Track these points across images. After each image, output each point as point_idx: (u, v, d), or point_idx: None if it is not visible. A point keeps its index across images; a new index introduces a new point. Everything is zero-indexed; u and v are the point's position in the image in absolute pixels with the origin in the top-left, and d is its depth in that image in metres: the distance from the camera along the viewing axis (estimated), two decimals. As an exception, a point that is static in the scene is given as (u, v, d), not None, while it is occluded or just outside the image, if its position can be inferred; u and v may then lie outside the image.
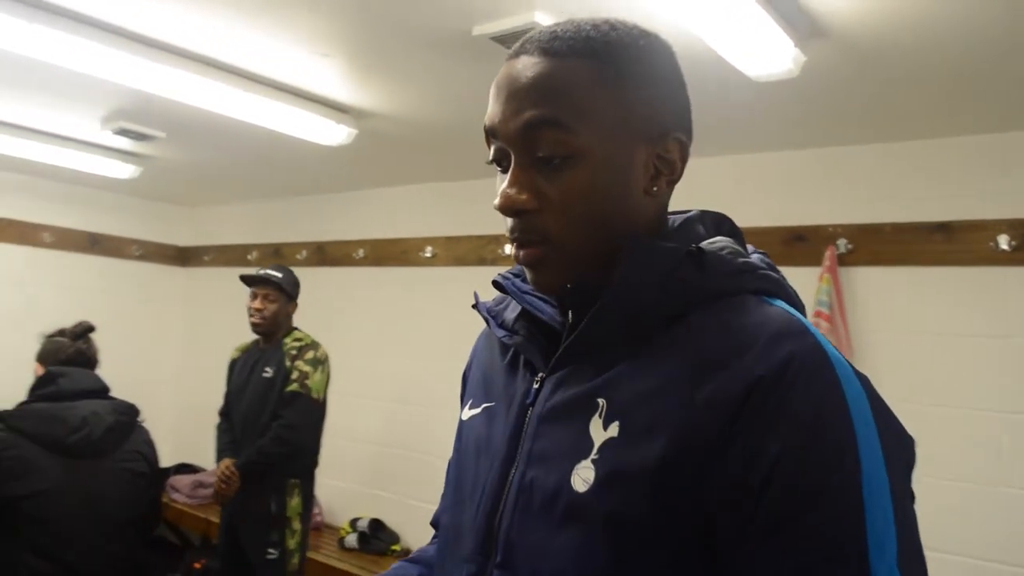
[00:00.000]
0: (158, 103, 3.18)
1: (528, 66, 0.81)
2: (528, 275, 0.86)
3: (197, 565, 4.52)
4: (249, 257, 5.26)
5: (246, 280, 3.51)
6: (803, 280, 3.09)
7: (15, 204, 5.04)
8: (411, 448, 4.17)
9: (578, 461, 0.76)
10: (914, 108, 2.67)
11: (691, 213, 0.90)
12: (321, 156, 3.74)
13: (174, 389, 5.71)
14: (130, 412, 2.61)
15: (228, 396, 3.58)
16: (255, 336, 3.56)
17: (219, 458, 3.40)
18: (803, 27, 2.07)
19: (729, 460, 0.69)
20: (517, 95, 0.81)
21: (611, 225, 0.81)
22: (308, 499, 3.43)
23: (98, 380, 2.62)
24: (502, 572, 0.81)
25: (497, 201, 0.83)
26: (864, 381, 0.73)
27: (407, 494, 4.15)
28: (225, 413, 3.57)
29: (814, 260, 3.04)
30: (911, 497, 0.73)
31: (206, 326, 5.65)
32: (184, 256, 5.83)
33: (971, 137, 2.82)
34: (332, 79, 2.87)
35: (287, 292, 3.48)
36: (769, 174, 3.26)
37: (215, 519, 4.48)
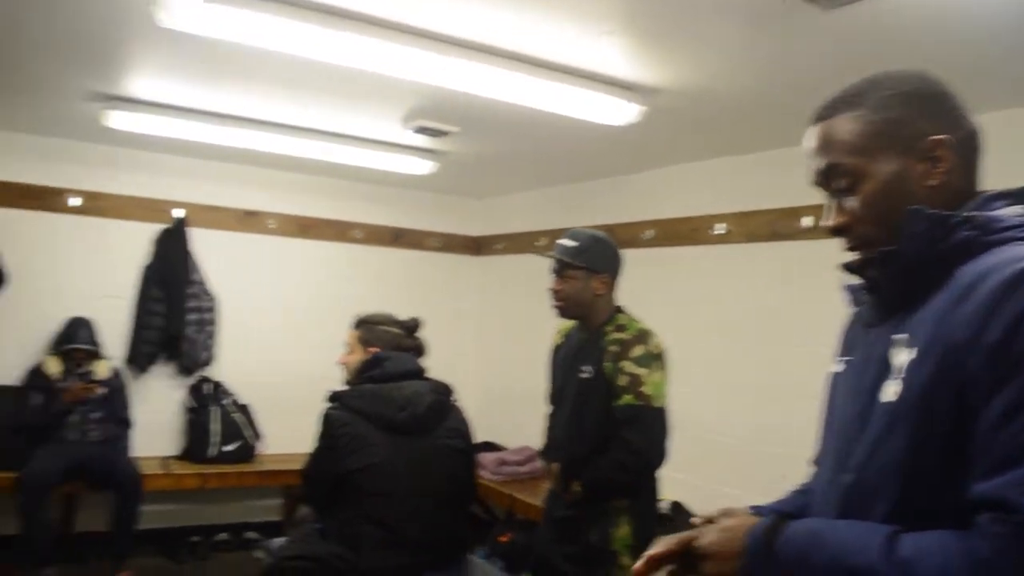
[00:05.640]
0: (452, 98, 3.33)
1: (811, 134, 1.20)
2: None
3: (502, 539, 4.72)
4: (537, 244, 5.41)
5: (537, 253, 3.09)
6: None
7: (331, 205, 5.59)
8: (710, 431, 4.07)
9: (886, 379, 1.07)
10: None
11: (992, 192, 1.13)
12: (607, 138, 3.75)
13: (473, 371, 6.02)
14: (446, 391, 2.76)
15: (553, 387, 2.99)
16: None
17: (546, 454, 3.00)
18: None
19: (976, 353, 0.95)
20: (811, 155, 1.20)
21: (898, 216, 1.09)
22: (644, 528, 2.67)
23: (416, 363, 2.80)
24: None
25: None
26: None
27: (709, 478, 4.06)
28: (553, 405, 3.04)
29: None
30: None
31: (500, 311, 5.90)
32: (478, 245, 6.12)
33: None
34: (618, 57, 2.84)
35: (587, 266, 2.74)
36: None
37: (519, 496, 4.68)
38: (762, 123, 3.54)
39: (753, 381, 3.93)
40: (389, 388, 2.62)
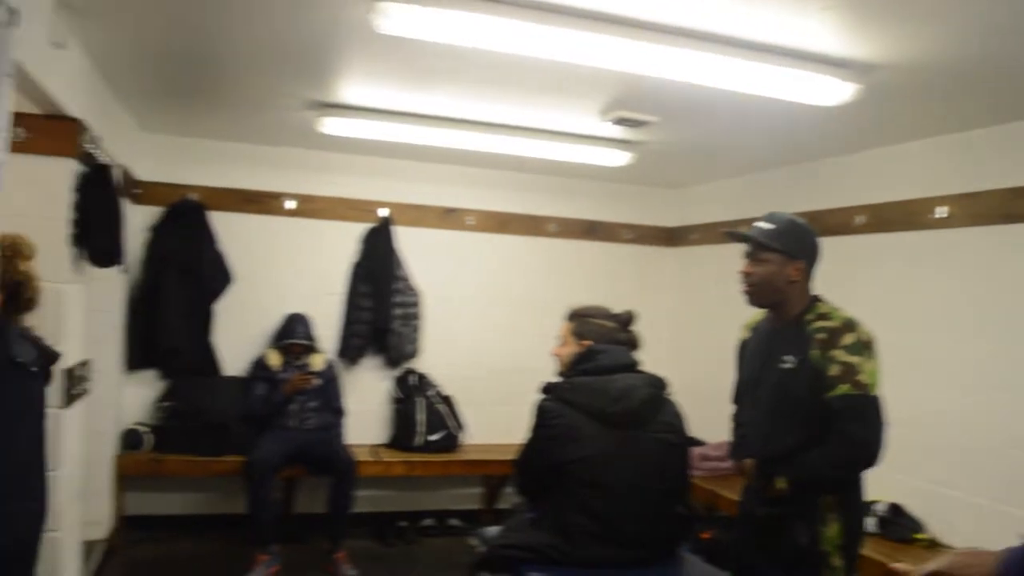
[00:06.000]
0: (653, 87, 3.29)
1: None
2: None
3: (704, 536, 4.62)
4: (735, 234, 5.27)
5: (729, 236, 2.81)
6: None
7: (526, 200, 5.71)
8: (931, 429, 3.80)
9: None
10: None
11: None
12: (817, 119, 3.58)
13: (670, 365, 5.92)
14: (660, 385, 2.72)
15: (740, 384, 2.88)
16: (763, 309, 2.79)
17: (735, 454, 2.89)
18: None
19: None
20: None
21: None
22: (854, 526, 2.57)
23: (630, 356, 2.78)
24: None
25: None
26: None
27: (933, 480, 3.80)
28: (736, 402, 2.92)
29: None
30: None
31: (696, 304, 5.77)
32: (672, 236, 6.02)
33: None
34: (832, 34, 2.70)
35: (783, 250, 2.59)
36: None
37: (722, 492, 4.57)
38: (993, 95, 3.26)
39: (980, 377, 3.63)
40: (603, 381, 2.61)
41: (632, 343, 2.84)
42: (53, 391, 3.17)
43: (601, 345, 2.73)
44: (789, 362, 2.54)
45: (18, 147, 2.27)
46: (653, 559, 2.67)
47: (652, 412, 2.65)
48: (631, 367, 2.72)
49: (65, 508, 3.35)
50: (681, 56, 2.81)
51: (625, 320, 2.87)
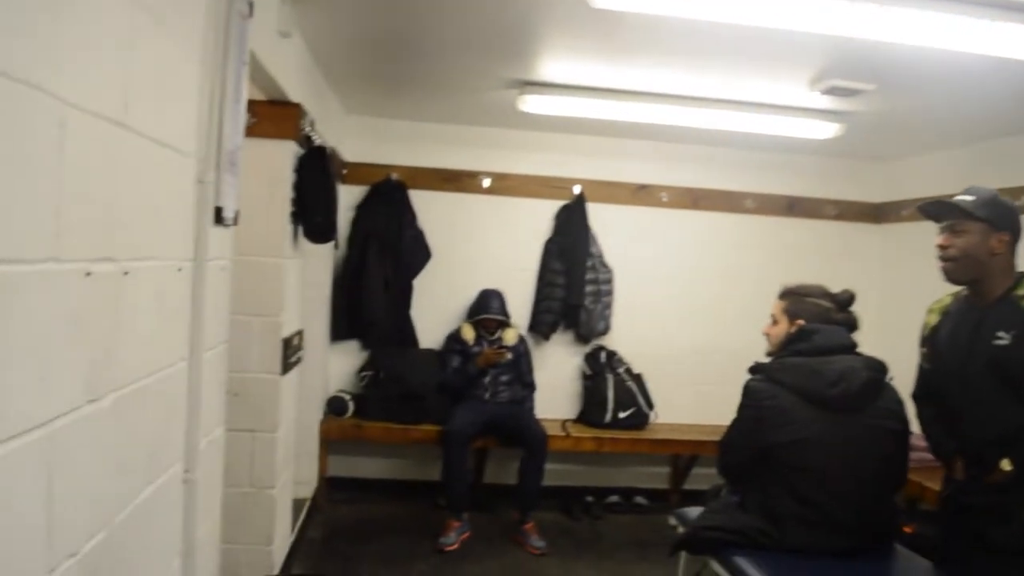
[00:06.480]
0: (871, 52, 3.09)
1: None
2: None
3: (907, 530, 4.36)
4: (956, 208, 4.88)
5: (923, 210, 2.57)
6: None
7: (722, 175, 5.55)
8: None
9: None
10: None
11: None
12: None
13: (874, 349, 5.61)
14: (881, 368, 2.59)
15: (931, 375, 2.64)
16: (955, 289, 2.60)
17: (940, 451, 2.60)
18: None
19: None
20: None
21: None
22: None
23: (848, 337, 2.65)
24: None
25: None
26: None
27: None
28: (925, 395, 2.68)
29: None
30: None
31: (905, 286, 5.42)
32: (879, 213, 5.68)
33: None
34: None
35: (987, 220, 2.39)
36: None
37: (928, 483, 4.27)
38: None
39: None
40: (819, 362, 2.51)
41: (850, 324, 2.69)
42: (272, 359, 3.42)
43: (815, 325, 2.62)
44: (1004, 338, 2.35)
45: (247, 131, 2.43)
46: (867, 549, 2.56)
47: (872, 397, 2.52)
48: (849, 349, 2.60)
49: (281, 468, 3.59)
50: (906, 15, 2.61)
51: (844, 301, 2.73)
